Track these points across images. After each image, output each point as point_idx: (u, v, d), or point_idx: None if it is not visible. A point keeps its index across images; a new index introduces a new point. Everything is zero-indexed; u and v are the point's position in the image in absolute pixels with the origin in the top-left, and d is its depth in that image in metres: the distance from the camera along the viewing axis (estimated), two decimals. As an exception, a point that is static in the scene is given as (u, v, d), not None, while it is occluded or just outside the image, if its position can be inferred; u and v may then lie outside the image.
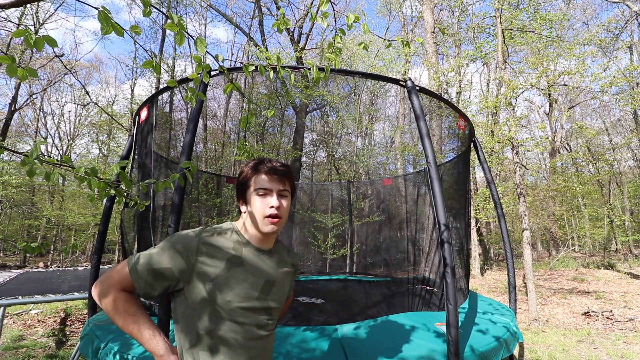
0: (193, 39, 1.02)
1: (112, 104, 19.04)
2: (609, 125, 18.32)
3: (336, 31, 1.33)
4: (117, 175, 1.42)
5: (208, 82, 2.25)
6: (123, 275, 0.94)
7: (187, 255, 0.93)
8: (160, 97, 3.05)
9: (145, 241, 3.04)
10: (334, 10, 1.29)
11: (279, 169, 1.04)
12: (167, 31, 15.17)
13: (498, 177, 11.92)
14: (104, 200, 3.19)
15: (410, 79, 2.51)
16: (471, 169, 9.16)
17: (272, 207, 1.00)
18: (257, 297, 0.99)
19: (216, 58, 1.16)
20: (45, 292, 3.80)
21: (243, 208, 1.06)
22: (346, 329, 2.37)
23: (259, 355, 0.99)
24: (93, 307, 3.01)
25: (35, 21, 13.03)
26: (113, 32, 0.91)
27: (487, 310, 3.01)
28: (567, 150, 19.20)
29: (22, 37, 0.87)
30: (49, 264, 15.50)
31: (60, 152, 18.91)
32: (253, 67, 1.26)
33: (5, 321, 4.78)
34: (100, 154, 18.23)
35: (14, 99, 13.08)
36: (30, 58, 13.61)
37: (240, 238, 1.02)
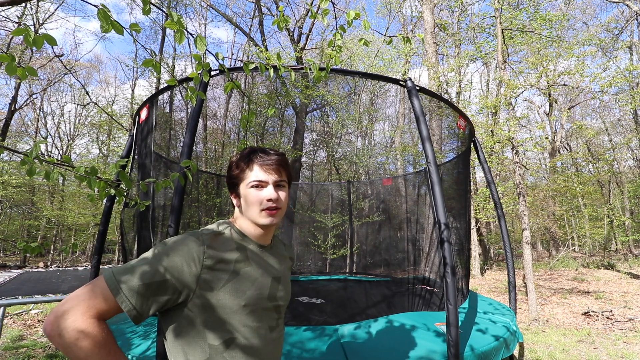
0: (193, 37, 1.01)
1: (112, 104, 19.08)
2: (609, 125, 18.33)
3: (337, 29, 1.33)
4: (117, 175, 1.42)
5: (208, 81, 2.25)
6: (99, 298, 0.74)
7: (191, 263, 0.81)
8: (160, 97, 3.05)
9: (145, 241, 3.04)
10: (334, 7, 1.29)
11: (274, 158, 0.93)
12: (167, 31, 15.19)
13: (498, 177, 11.91)
14: (104, 200, 3.20)
15: (410, 79, 2.50)
16: (471, 169, 9.16)
17: (270, 199, 0.90)
18: (268, 297, 0.92)
19: (216, 56, 1.16)
20: (45, 292, 3.80)
21: (237, 202, 0.96)
22: (346, 329, 2.36)
23: (275, 356, 0.95)
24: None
25: (35, 21, 13.05)
26: (113, 30, 0.91)
27: (487, 310, 3.01)
28: (567, 150, 19.21)
29: (21, 36, 0.87)
30: (49, 264, 15.47)
31: (60, 152, 18.92)
32: (253, 66, 1.25)
33: (5, 321, 4.78)
34: (100, 154, 18.25)
35: (14, 99, 13.11)
36: (30, 58, 13.63)
37: (241, 237, 0.94)
